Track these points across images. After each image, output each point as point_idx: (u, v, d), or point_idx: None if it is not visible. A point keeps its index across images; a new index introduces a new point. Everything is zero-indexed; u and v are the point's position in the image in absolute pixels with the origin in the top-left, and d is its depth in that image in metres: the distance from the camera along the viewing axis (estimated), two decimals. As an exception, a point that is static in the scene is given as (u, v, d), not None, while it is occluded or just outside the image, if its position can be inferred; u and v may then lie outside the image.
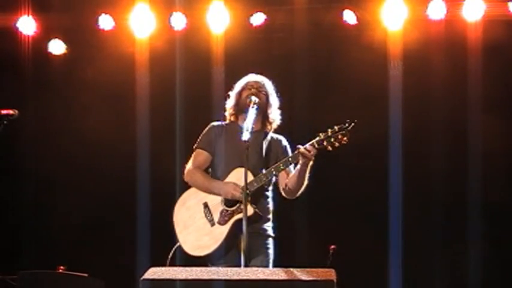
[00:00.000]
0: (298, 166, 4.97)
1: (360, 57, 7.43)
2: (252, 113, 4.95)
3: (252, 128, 4.79)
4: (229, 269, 4.39)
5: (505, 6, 7.14)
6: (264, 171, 5.04)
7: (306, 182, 5.06)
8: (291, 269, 4.13)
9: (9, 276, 6.71)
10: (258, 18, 7.58)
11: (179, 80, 7.70)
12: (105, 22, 7.73)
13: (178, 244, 5.17)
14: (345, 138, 4.84)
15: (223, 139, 5.19)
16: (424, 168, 7.61)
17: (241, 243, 4.71)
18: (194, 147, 5.32)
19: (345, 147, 7.50)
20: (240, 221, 4.81)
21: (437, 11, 7.21)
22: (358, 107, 7.42)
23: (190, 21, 7.64)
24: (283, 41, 7.79)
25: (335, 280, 3.96)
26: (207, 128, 5.32)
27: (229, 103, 5.31)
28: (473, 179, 7.31)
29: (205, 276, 4.05)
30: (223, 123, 5.33)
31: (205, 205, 5.12)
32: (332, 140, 4.85)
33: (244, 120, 4.88)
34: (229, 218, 5.00)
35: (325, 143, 4.86)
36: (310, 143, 4.89)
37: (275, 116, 5.27)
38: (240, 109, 5.21)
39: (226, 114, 5.35)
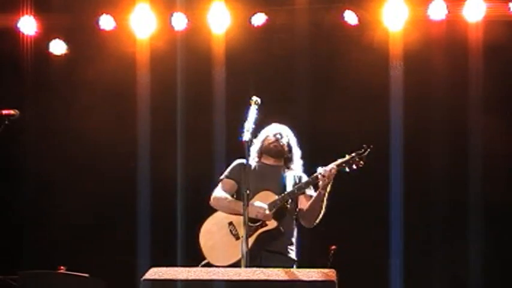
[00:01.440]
0: (317, 191, 5.22)
1: (361, 57, 7.43)
2: (252, 112, 4.97)
3: (252, 128, 4.83)
4: (229, 269, 4.40)
5: (506, 6, 7.13)
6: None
7: (323, 210, 5.27)
8: (292, 269, 4.14)
9: (10, 277, 6.71)
10: (259, 19, 7.57)
11: (180, 80, 7.69)
12: (106, 22, 7.73)
13: (205, 262, 5.22)
14: (361, 162, 5.24)
15: (249, 171, 5.26)
16: (424, 168, 7.61)
17: (261, 262, 4.95)
18: (220, 178, 5.46)
19: (346, 146, 7.54)
20: (262, 236, 5.11)
21: (438, 11, 7.21)
22: (359, 107, 7.43)
23: (191, 22, 7.64)
24: (283, 42, 7.78)
25: (336, 280, 3.96)
26: (234, 163, 5.48)
27: (254, 148, 5.49)
28: (474, 179, 7.31)
29: (206, 277, 4.05)
30: (250, 163, 5.39)
31: (230, 223, 5.27)
32: (350, 162, 5.22)
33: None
34: (254, 232, 5.15)
35: (343, 165, 5.21)
36: (330, 165, 5.18)
37: (297, 165, 5.51)
38: (263, 152, 5.50)
39: (251, 158, 5.47)
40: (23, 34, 7.83)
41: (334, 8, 7.51)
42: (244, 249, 4.62)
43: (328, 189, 5.21)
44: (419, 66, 7.43)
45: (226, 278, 4.03)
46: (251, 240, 5.09)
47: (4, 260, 7.49)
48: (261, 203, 5.19)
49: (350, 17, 7.45)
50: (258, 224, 5.16)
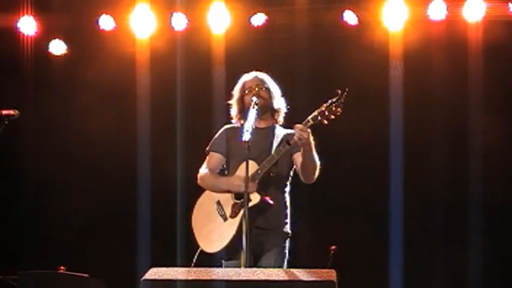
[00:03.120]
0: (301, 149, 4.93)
1: (361, 57, 7.43)
2: (252, 113, 4.93)
3: (252, 128, 4.77)
4: (229, 269, 4.40)
5: (506, 6, 7.14)
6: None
7: (317, 162, 4.97)
8: (292, 270, 4.14)
9: (10, 277, 6.71)
10: (259, 19, 7.57)
11: (180, 80, 7.70)
12: (106, 22, 7.73)
13: (200, 249, 5.09)
14: (339, 109, 4.82)
15: (234, 140, 5.14)
16: (424, 168, 7.61)
17: (253, 239, 4.75)
18: (206, 150, 5.29)
19: (346, 147, 7.55)
20: (248, 213, 4.68)
21: (437, 11, 7.21)
22: (359, 108, 7.42)
23: (190, 22, 7.65)
24: (283, 42, 7.79)
25: (336, 281, 3.96)
26: (220, 131, 5.28)
27: (233, 111, 5.26)
28: (474, 178, 7.31)
29: (206, 277, 4.05)
30: (236, 125, 5.26)
31: (218, 203, 5.09)
32: (327, 113, 4.83)
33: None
34: (239, 210, 4.95)
35: (319, 118, 4.84)
36: (305, 121, 4.87)
37: (280, 104, 5.23)
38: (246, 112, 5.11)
39: (234, 121, 5.29)
40: (23, 34, 7.83)
41: (334, 8, 7.51)
42: (245, 248, 4.59)
43: (312, 142, 4.88)
44: (419, 66, 7.42)
45: (226, 278, 4.03)
46: (237, 219, 4.94)
47: (4, 260, 7.49)
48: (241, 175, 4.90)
49: (350, 17, 7.45)
50: (242, 200, 4.89)
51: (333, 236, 7.26)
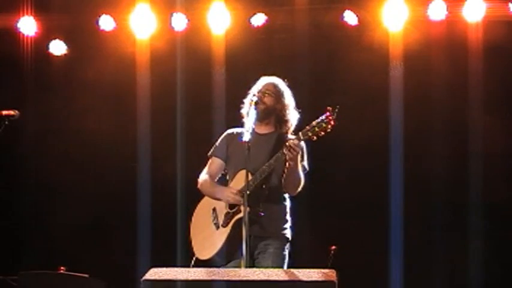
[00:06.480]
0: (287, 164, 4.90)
1: (361, 58, 7.43)
2: (251, 113, 4.94)
3: (252, 128, 4.79)
4: (229, 269, 4.40)
5: (506, 6, 7.14)
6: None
7: (301, 179, 4.98)
8: (292, 270, 4.14)
9: (10, 277, 6.71)
10: (259, 19, 7.57)
11: (180, 80, 7.70)
12: (106, 23, 7.73)
13: (195, 257, 5.12)
14: (329, 126, 4.76)
15: (234, 146, 5.15)
16: (425, 168, 7.62)
17: (251, 245, 4.76)
18: (208, 154, 5.31)
19: (346, 147, 7.55)
20: (239, 223, 4.79)
21: (438, 11, 7.22)
22: (359, 108, 7.43)
23: (190, 22, 7.65)
24: (283, 42, 7.79)
25: (336, 281, 3.96)
26: (221, 136, 5.29)
27: (244, 110, 5.23)
28: (474, 179, 7.31)
29: (206, 277, 4.05)
30: (238, 129, 5.24)
31: (214, 210, 5.11)
32: (317, 129, 4.78)
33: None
34: (231, 219, 4.98)
35: (310, 134, 4.79)
36: (295, 136, 4.87)
37: (290, 116, 5.18)
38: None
39: (244, 120, 5.24)
40: (23, 34, 7.83)
41: (334, 8, 7.51)
42: (244, 249, 4.60)
43: (302, 160, 4.90)
44: (419, 66, 7.43)
45: (226, 278, 4.03)
46: (228, 229, 4.96)
47: (4, 260, 7.50)
48: (236, 185, 4.97)
49: (350, 17, 7.45)
50: (234, 210, 4.95)
51: (333, 236, 7.25)
